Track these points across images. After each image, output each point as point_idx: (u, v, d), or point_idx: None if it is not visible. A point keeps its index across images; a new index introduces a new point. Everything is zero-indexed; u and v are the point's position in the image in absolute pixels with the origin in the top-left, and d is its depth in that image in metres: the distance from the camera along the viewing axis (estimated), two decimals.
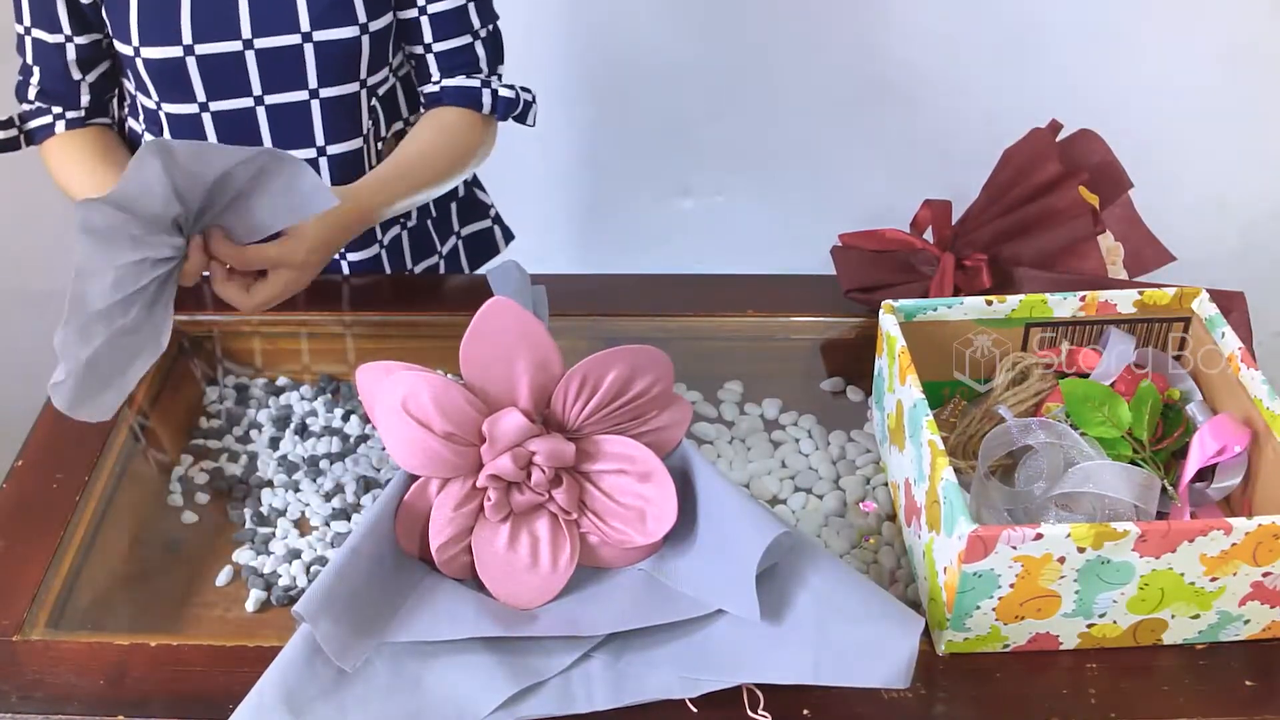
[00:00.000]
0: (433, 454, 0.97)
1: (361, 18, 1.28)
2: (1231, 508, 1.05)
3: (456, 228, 1.55)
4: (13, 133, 1.34)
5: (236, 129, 1.30)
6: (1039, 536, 0.89)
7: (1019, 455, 1.06)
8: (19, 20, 1.30)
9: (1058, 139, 1.27)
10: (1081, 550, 0.90)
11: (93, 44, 1.30)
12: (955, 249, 1.26)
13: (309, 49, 1.27)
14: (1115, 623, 0.95)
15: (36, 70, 1.31)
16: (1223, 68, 2.02)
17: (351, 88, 1.31)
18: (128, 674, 0.96)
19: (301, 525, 1.11)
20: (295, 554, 1.08)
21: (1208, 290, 1.11)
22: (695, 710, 0.92)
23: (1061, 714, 0.93)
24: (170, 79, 1.27)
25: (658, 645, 0.95)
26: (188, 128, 1.30)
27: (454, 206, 1.53)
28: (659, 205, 2.17)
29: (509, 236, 1.61)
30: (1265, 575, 0.93)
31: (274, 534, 1.10)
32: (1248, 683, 0.95)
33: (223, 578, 1.06)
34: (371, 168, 1.39)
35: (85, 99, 1.33)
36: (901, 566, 1.06)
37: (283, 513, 1.12)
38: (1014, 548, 0.89)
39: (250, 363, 1.29)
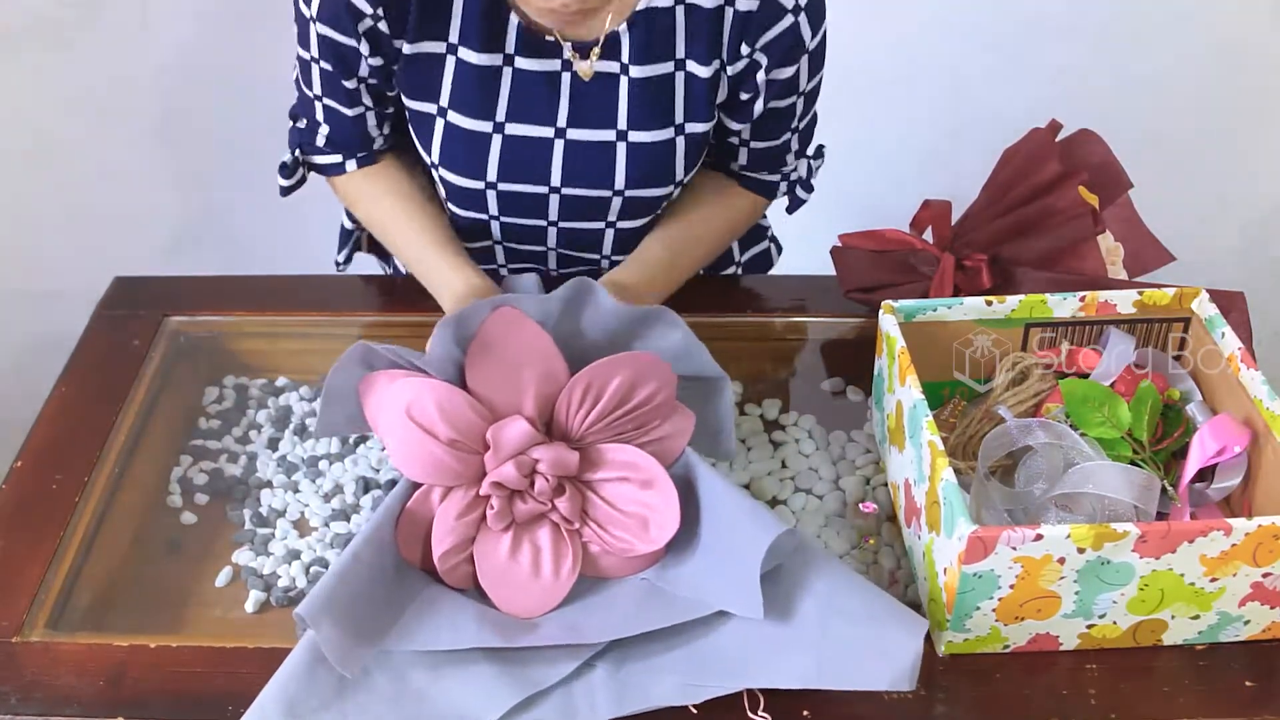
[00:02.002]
0: (436, 461, 0.96)
1: (679, 176, 1.22)
2: (1231, 508, 1.05)
3: (738, 256, 1.48)
4: (297, 177, 1.28)
5: (522, 239, 1.27)
6: (1039, 537, 0.88)
7: (1019, 455, 1.06)
8: (308, 86, 1.22)
9: (1058, 139, 1.27)
10: (1081, 551, 0.90)
11: (394, 113, 1.24)
12: (955, 249, 1.26)
13: (616, 200, 1.22)
14: (1115, 623, 0.95)
15: (326, 127, 1.24)
16: (1223, 68, 2.02)
17: (646, 220, 1.26)
18: (128, 674, 0.96)
19: (301, 526, 1.11)
20: (295, 555, 1.07)
21: (1208, 290, 1.11)
22: (695, 711, 0.92)
23: (1061, 714, 0.93)
24: (466, 200, 1.23)
25: (660, 653, 0.94)
26: (473, 227, 1.27)
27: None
28: None
29: (779, 249, 1.54)
30: (1265, 576, 0.93)
31: (273, 535, 1.10)
32: (1248, 683, 0.95)
33: (222, 578, 1.06)
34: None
35: (378, 144, 1.26)
36: (901, 567, 1.06)
37: (282, 513, 1.12)
38: (1014, 548, 0.89)
39: (250, 363, 1.29)
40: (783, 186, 1.32)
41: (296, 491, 1.14)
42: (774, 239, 1.53)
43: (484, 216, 1.25)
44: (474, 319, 1.01)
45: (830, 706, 0.92)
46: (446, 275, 1.19)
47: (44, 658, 0.97)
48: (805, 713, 0.92)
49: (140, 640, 0.99)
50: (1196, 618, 0.95)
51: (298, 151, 1.28)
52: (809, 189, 1.35)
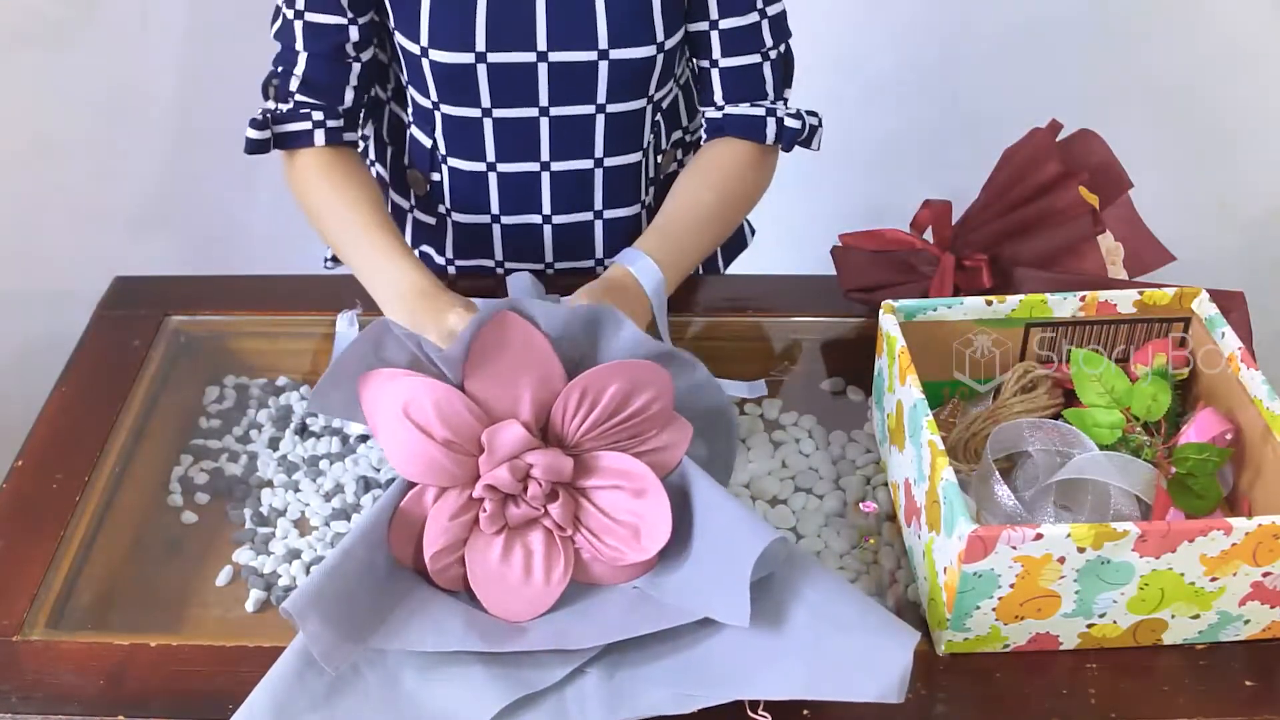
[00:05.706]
0: (431, 461, 0.96)
1: (659, 36, 1.24)
2: (1232, 508, 1.05)
3: None
4: (266, 134, 1.25)
5: (516, 137, 1.27)
6: (1039, 536, 0.89)
7: (1017, 458, 1.06)
8: (289, 5, 1.23)
9: (1058, 139, 1.27)
10: (1081, 550, 0.90)
11: (369, 25, 1.25)
12: (955, 249, 1.26)
13: (603, 65, 1.23)
14: (1115, 623, 0.95)
15: (303, 57, 1.24)
16: (1223, 67, 2.02)
17: (639, 104, 1.29)
18: (128, 674, 0.96)
19: (301, 525, 1.11)
20: (295, 554, 1.08)
21: (1208, 290, 1.11)
22: (694, 710, 0.92)
23: (1061, 714, 0.93)
24: (456, 83, 1.24)
25: (652, 661, 0.94)
26: (465, 130, 1.27)
27: None
28: None
29: (753, 230, 1.55)
30: (1265, 575, 0.93)
31: (274, 534, 1.10)
32: (1248, 683, 0.95)
33: (223, 578, 1.06)
34: (648, 179, 1.35)
35: (349, 98, 1.27)
36: (901, 567, 1.06)
37: (283, 513, 1.12)
38: (1014, 548, 0.89)
39: (250, 362, 1.30)
40: (771, 127, 1.31)
41: (297, 491, 1.14)
42: (746, 220, 1.53)
43: (476, 112, 1.25)
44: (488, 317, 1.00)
45: (829, 705, 0.92)
46: (390, 270, 1.17)
47: (44, 657, 0.97)
48: (805, 712, 0.92)
49: (141, 639, 0.99)
50: (1196, 617, 0.95)
51: (269, 116, 1.25)
52: (809, 142, 1.35)
